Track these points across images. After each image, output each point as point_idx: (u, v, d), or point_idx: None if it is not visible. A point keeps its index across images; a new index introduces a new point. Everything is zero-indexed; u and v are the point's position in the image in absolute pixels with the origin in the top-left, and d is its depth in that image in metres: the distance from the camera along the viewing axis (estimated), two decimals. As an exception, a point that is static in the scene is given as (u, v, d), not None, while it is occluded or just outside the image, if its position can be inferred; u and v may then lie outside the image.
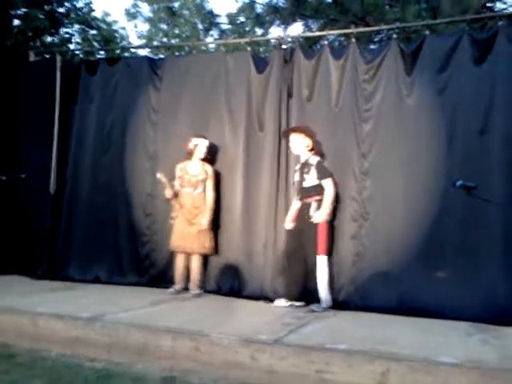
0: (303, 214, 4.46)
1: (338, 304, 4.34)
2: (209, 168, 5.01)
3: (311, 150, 4.60)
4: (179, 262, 4.91)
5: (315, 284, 4.33)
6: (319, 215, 4.36)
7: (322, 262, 4.32)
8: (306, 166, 4.55)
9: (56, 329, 3.54)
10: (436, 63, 4.54)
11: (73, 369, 3.07)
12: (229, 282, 4.95)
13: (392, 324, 3.89)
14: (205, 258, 5.00)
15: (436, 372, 2.67)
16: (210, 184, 4.97)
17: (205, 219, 4.85)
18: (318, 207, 4.40)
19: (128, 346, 3.34)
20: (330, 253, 4.44)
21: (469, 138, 4.37)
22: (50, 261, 5.62)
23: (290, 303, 4.45)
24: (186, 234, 4.84)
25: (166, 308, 4.22)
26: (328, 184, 4.44)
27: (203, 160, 5.02)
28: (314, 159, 4.54)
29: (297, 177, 4.62)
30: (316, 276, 4.32)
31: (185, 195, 4.94)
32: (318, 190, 4.44)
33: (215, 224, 5.05)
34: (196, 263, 4.90)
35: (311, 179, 4.49)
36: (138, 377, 2.99)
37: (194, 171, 4.96)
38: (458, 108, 4.42)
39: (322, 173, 4.47)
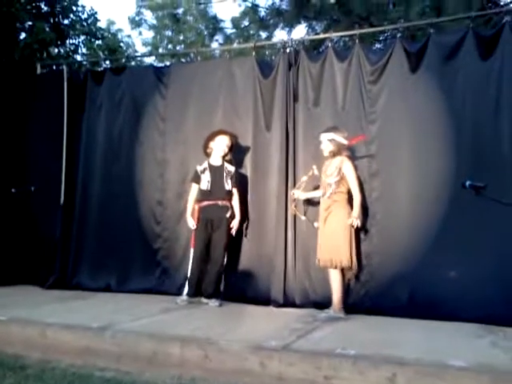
0: None
1: (349, 307, 4.29)
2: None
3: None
4: None
5: None
6: None
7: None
8: None
9: (66, 339, 3.55)
10: (442, 61, 4.50)
11: (83, 379, 3.07)
12: (238, 287, 4.94)
13: (401, 327, 3.85)
14: None
15: (445, 376, 2.63)
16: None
17: None
18: None
19: (137, 354, 3.34)
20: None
21: (477, 136, 4.32)
22: (61, 270, 5.67)
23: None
24: None
25: (175, 316, 4.22)
26: None
27: None
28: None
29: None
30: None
31: None
32: None
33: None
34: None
35: None
36: (147, 386, 2.99)
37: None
38: (465, 106, 4.37)
39: None
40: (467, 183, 3.91)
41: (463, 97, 4.39)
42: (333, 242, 4.17)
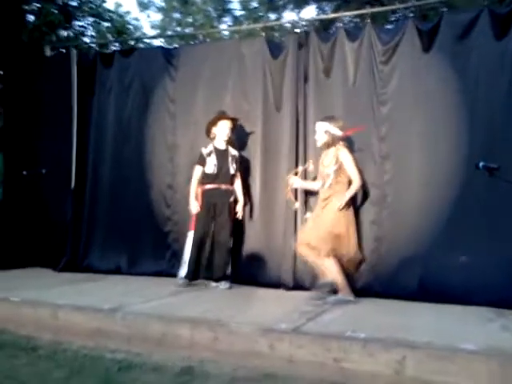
0: None
1: (358, 291, 4.28)
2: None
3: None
4: None
5: None
6: None
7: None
8: None
9: (77, 321, 3.59)
10: (455, 41, 4.40)
11: (94, 360, 3.11)
12: (248, 270, 4.95)
13: (412, 310, 3.84)
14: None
15: (455, 359, 2.62)
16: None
17: None
18: None
19: (148, 336, 3.37)
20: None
21: (490, 117, 4.24)
22: (73, 253, 5.71)
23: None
24: None
25: (185, 298, 4.24)
26: None
27: None
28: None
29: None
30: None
31: None
32: None
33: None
34: None
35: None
36: (157, 367, 3.01)
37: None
38: (478, 86, 4.28)
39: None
40: (480, 164, 3.84)
41: (477, 77, 4.30)
42: (326, 230, 4.13)
